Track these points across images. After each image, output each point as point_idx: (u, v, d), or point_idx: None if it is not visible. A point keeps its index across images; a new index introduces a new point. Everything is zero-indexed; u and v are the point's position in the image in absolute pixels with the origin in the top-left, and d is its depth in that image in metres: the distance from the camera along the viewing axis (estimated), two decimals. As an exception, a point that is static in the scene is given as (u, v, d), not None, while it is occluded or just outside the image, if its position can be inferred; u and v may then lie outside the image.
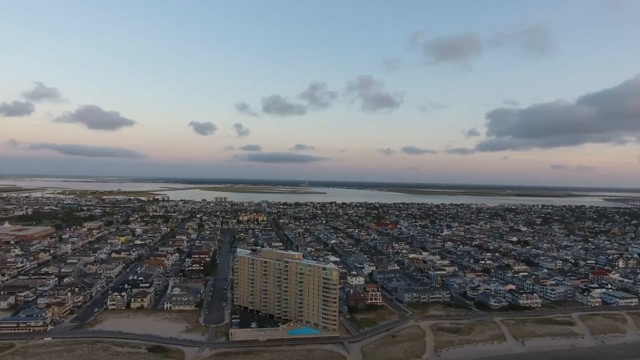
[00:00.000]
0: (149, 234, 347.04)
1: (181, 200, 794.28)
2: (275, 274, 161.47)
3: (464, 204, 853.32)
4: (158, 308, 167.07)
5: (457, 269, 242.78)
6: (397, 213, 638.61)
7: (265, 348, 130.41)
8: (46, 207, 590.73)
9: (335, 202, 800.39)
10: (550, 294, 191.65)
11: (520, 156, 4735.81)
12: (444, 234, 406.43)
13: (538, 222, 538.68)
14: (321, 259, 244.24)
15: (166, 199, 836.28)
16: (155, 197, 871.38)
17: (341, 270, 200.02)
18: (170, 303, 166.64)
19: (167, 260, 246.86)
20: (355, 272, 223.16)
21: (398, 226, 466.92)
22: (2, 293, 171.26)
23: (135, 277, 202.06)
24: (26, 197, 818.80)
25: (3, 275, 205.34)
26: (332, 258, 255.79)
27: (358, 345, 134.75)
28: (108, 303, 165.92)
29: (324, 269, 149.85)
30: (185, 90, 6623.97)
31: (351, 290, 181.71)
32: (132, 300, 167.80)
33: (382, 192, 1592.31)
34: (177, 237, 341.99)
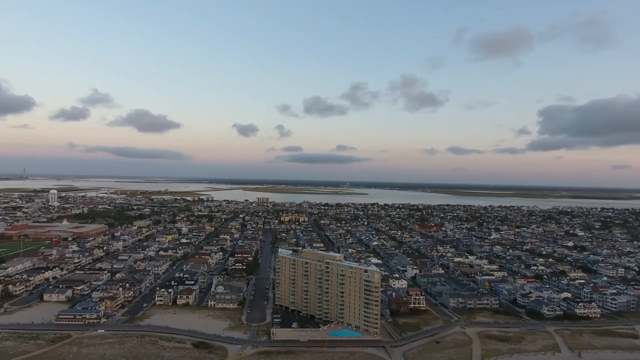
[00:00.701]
0: (194, 233, 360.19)
1: (225, 200, 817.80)
2: (316, 275, 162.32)
3: (513, 206, 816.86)
4: (202, 305, 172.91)
5: (506, 275, 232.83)
6: (441, 215, 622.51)
7: (306, 349, 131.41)
8: (100, 206, 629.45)
9: (377, 204, 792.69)
10: (611, 303, 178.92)
11: (576, 155, 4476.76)
12: (492, 237, 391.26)
13: (597, 226, 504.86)
14: (363, 260, 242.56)
15: (210, 199, 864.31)
16: (200, 197, 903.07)
17: (383, 273, 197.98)
18: (214, 301, 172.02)
19: (211, 258, 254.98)
20: (397, 275, 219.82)
21: (443, 229, 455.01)
22: (61, 286, 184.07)
23: (181, 274, 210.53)
24: (82, 196, 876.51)
25: (62, 269, 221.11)
26: (374, 260, 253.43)
27: (400, 350, 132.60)
28: (156, 299, 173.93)
29: (366, 271, 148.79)
30: (229, 93, 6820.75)
31: (393, 294, 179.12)
32: (178, 297, 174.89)
33: (426, 194, 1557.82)
34: (220, 236, 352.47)
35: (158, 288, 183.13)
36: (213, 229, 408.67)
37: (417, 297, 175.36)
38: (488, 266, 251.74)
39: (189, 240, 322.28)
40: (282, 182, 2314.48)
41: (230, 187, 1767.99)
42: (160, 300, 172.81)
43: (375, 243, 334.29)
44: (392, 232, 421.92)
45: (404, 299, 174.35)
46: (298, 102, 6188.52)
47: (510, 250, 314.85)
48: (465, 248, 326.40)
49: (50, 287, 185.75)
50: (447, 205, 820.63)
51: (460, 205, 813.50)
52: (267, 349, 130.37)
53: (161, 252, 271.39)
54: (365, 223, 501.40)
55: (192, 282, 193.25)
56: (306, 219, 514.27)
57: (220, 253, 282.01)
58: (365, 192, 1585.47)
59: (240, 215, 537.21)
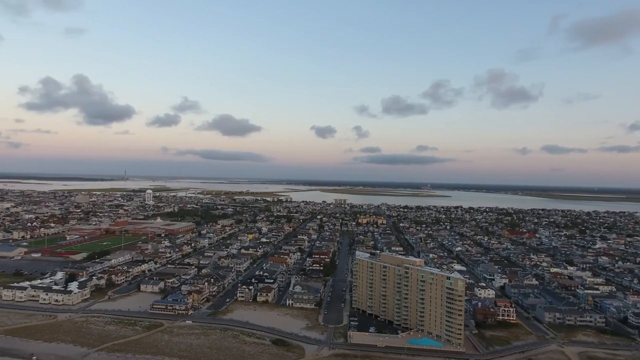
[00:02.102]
0: (274, 233, 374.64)
1: (303, 201, 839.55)
2: (395, 280, 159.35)
3: (624, 212, 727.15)
4: (280, 304, 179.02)
5: (614, 290, 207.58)
6: (535, 220, 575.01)
7: (383, 354, 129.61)
8: (189, 206, 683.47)
9: (461, 207, 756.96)
10: None
11: None
12: (597, 246, 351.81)
13: None
14: (445, 267, 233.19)
15: (289, 200, 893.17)
16: (280, 198, 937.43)
17: (467, 281, 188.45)
18: (292, 300, 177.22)
19: (290, 258, 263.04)
20: (484, 284, 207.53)
21: (537, 235, 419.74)
22: (154, 278, 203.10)
23: (261, 272, 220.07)
24: (174, 196, 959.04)
25: (156, 263, 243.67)
26: (457, 267, 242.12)
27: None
28: (238, 295, 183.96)
29: (448, 278, 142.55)
30: (307, 96, 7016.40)
31: (479, 304, 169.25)
32: (258, 294, 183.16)
33: (517, 197, 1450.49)
34: (298, 236, 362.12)
35: (240, 285, 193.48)
36: (291, 229, 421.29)
37: (506, 309, 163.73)
38: (592, 279, 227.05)
39: (268, 240, 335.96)
40: (360, 184, 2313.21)
41: (309, 188, 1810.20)
42: (242, 297, 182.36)
43: (459, 248, 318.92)
44: (478, 237, 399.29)
45: (492, 310, 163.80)
46: (376, 102, 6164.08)
47: (620, 262, 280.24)
48: (563, 258, 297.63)
49: (146, 278, 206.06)
50: (542, 209, 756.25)
51: (558, 210, 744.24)
52: (344, 352, 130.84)
53: (243, 251, 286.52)
54: (448, 227, 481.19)
55: (272, 281, 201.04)
56: (384, 222, 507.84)
57: (298, 253, 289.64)
58: (448, 194, 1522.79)
59: (318, 217, 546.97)
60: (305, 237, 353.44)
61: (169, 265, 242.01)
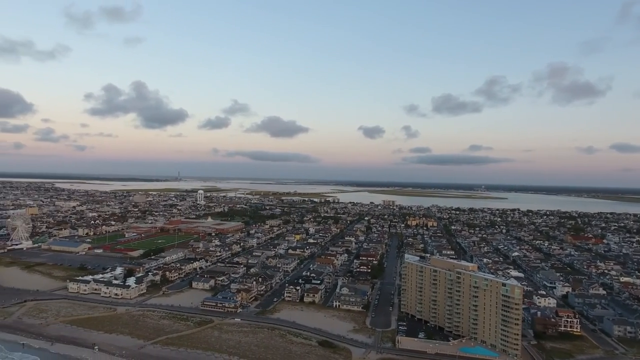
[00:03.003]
0: (321, 234, 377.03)
1: (350, 202, 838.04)
2: (446, 285, 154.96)
3: None
4: (327, 305, 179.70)
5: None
6: (603, 225, 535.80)
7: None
8: (238, 206, 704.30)
9: (519, 209, 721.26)
10: None
11: None
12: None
13: None
14: (500, 272, 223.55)
15: (336, 200, 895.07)
16: (327, 199, 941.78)
17: (525, 288, 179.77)
18: (338, 302, 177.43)
19: (337, 260, 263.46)
20: (544, 292, 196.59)
21: (604, 241, 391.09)
22: (205, 276, 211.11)
23: (308, 273, 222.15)
24: (224, 196, 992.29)
25: (206, 261, 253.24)
26: (514, 273, 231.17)
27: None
28: (285, 295, 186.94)
29: (504, 284, 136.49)
30: (355, 96, 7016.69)
31: (538, 313, 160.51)
32: (305, 294, 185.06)
33: (582, 199, 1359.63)
34: (346, 238, 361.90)
35: (287, 285, 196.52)
36: (339, 230, 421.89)
37: (569, 320, 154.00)
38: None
39: (315, 241, 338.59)
40: (409, 185, 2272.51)
41: (356, 189, 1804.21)
42: (289, 297, 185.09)
43: (516, 254, 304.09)
44: (537, 242, 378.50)
45: (552, 320, 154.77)
46: (426, 101, 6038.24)
47: None
48: (635, 266, 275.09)
49: (197, 276, 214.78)
50: (611, 213, 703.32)
51: (629, 214, 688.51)
52: (392, 357, 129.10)
53: (290, 251, 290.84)
54: (504, 231, 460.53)
55: (318, 282, 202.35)
56: (435, 224, 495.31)
57: (346, 255, 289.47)
58: (504, 196, 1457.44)
59: (366, 218, 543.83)
60: (352, 239, 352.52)
61: (219, 264, 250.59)
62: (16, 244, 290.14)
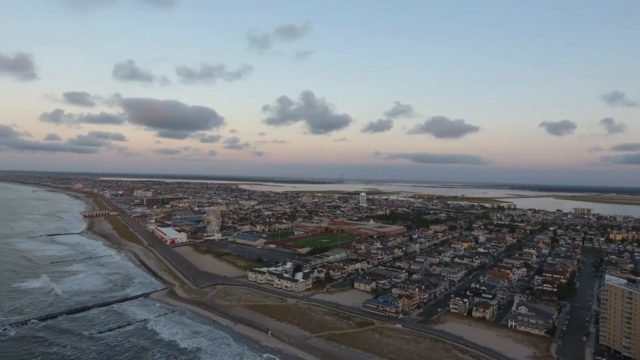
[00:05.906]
0: (493, 243, 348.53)
1: (530, 209, 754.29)
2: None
3: None
4: (500, 323, 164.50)
5: None
6: None
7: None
8: (400, 209, 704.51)
9: None
10: None
11: None
12: None
13: None
14: None
15: (512, 206, 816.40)
16: (500, 205, 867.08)
17: None
18: (515, 321, 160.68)
19: (513, 274, 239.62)
20: None
21: None
22: (367, 278, 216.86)
23: (478, 285, 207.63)
24: (385, 199, 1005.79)
25: (368, 263, 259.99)
26: None
27: None
28: (450, 306, 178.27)
29: None
30: (535, 89, 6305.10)
31: None
32: (474, 308, 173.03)
33: None
34: (524, 249, 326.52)
35: (453, 295, 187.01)
36: (515, 240, 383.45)
37: None
38: None
39: (486, 250, 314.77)
40: (612, 190, 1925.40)
41: (537, 194, 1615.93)
42: (455, 309, 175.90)
43: None
44: None
45: None
46: (635, 86, 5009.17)
47: None
48: None
49: (359, 277, 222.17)
50: None
51: None
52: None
53: (456, 259, 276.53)
54: None
55: (490, 297, 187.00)
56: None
57: (524, 269, 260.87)
58: None
59: (551, 228, 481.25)
60: (533, 251, 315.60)
61: (380, 267, 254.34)
62: (210, 236, 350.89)
